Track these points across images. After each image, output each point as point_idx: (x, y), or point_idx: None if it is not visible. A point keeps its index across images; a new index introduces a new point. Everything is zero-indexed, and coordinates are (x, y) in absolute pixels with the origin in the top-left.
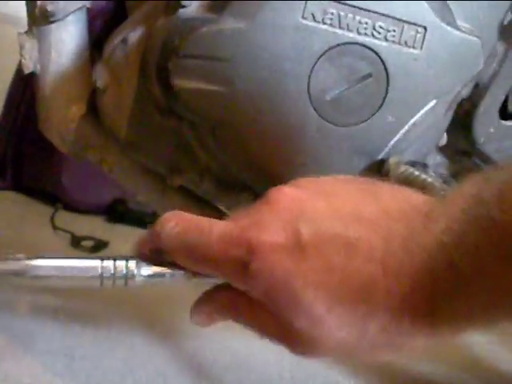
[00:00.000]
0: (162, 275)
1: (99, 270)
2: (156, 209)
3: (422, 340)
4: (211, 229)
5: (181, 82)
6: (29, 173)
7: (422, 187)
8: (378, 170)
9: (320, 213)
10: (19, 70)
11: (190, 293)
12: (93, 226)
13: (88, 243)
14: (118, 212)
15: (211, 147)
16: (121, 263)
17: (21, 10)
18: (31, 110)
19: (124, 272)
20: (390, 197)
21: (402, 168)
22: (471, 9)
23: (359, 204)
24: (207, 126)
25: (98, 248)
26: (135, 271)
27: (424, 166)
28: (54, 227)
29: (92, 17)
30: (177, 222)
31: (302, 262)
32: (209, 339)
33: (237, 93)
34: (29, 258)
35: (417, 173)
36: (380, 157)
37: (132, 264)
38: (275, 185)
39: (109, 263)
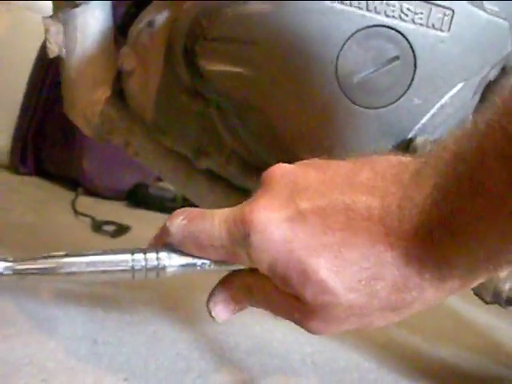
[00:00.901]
0: (192, 265)
1: (130, 263)
2: (182, 192)
3: (433, 294)
4: (214, 215)
5: (208, 65)
6: (50, 158)
7: None
8: (405, 148)
9: (313, 181)
10: (40, 57)
11: (211, 278)
12: (114, 211)
13: (109, 228)
14: (138, 197)
15: (237, 130)
16: (151, 255)
17: None
18: (52, 96)
19: (155, 264)
20: (383, 161)
21: (430, 146)
22: None
23: (352, 171)
24: (233, 109)
25: (119, 232)
26: (166, 262)
27: None
28: (76, 212)
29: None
30: (184, 216)
31: (301, 230)
32: (231, 324)
33: (264, 75)
34: (62, 256)
35: None
36: (407, 138)
37: (162, 255)
38: None
39: (139, 256)
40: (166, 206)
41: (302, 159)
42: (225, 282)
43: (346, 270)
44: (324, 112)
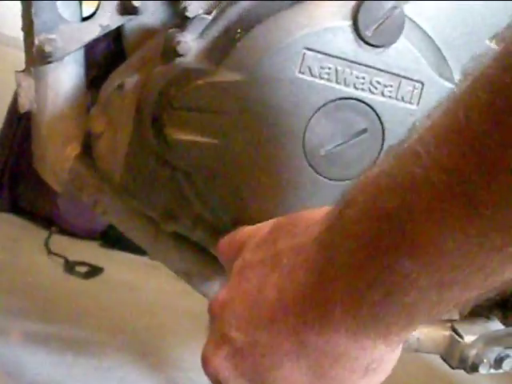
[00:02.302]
0: None
1: None
2: (149, 252)
3: (385, 351)
4: None
5: (175, 133)
6: (25, 196)
7: None
8: None
9: (240, 313)
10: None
11: (183, 323)
12: (87, 251)
13: (82, 268)
14: (112, 237)
15: (205, 196)
16: None
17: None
18: (29, 134)
19: None
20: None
21: None
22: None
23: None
24: (201, 177)
25: (92, 273)
26: None
27: None
28: (49, 251)
29: (90, 56)
30: None
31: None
32: (200, 372)
33: (232, 146)
34: None
35: None
36: None
37: None
38: None
39: None
40: (139, 247)
41: None
42: None
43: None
44: (290, 183)
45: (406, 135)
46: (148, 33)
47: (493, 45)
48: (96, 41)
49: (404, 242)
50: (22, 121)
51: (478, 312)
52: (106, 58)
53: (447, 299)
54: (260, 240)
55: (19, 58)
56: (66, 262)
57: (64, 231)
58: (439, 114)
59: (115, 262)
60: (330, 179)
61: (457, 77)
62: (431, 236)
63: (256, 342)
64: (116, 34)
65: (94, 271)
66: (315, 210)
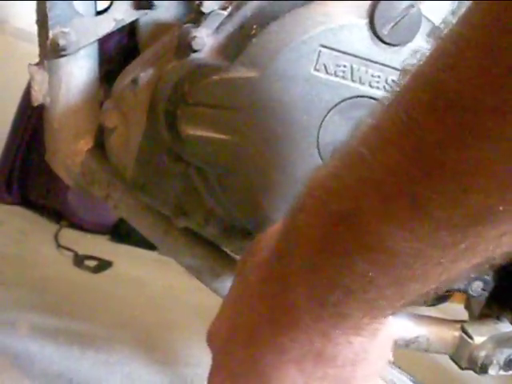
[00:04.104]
0: None
1: None
2: (159, 248)
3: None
4: None
5: (189, 129)
6: (36, 189)
7: None
8: None
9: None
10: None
11: (192, 319)
12: (97, 245)
13: (91, 262)
14: (122, 232)
15: (217, 193)
16: None
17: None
18: (40, 126)
19: None
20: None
21: None
22: None
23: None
24: (214, 173)
25: (100, 268)
26: None
27: None
28: (58, 245)
29: (104, 50)
30: None
31: None
32: (207, 368)
33: (245, 142)
34: None
35: None
36: None
37: None
38: None
39: None
40: (149, 242)
41: None
42: None
43: None
44: (303, 181)
45: (350, 135)
46: (162, 28)
47: None
48: (110, 35)
49: (357, 244)
50: (33, 114)
51: (488, 313)
52: (119, 52)
53: (408, 293)
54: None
55: (31, 51)
56: (75, 255)
57: (74, 225)
58: (382, 113)
59: (124, 257)
60: None
61: None
62: (382, 237)
63: (243, 359)
64: (130, 29)
65: (103, 265)
66: (277, 224)
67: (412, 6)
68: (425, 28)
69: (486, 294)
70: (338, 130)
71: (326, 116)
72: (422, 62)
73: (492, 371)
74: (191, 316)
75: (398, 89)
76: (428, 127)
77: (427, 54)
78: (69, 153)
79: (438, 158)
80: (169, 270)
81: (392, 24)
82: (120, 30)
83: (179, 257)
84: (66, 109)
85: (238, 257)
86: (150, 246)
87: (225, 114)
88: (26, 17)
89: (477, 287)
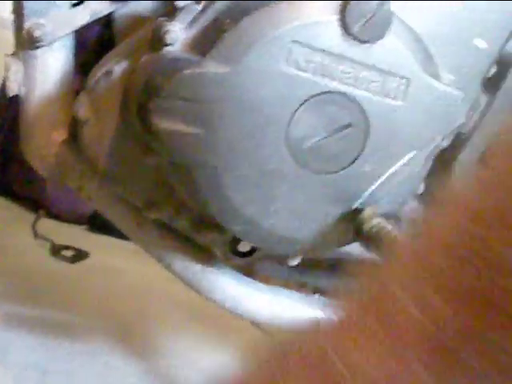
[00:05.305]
0: None
1: None
2: (132, 239)
3: None
4: None
5: (160, 122)
6: (15, 178)
7: (392, 242)
8: (352, 219)
9: None
10: None
11: (169, 310)
12: (74, 235)
13: (68, 252)
14: (100, 222)
15: (188, 186)
16: None
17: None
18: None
19: None
20: None
21: (375, 221)
22: (456, 61)
23: None
24: (185, 166)
25: (78, 258)
26: None
27: (397, 220)
28: (35, 234)
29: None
30: None
31: None
32: (183, 359)
33: (216, 136)
34: None
35: (388, 228)
36: (356, 205)
37: None
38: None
39: None
40: None
41: (248, 219)
42: None
43: None
44: (274, 175)
45: None
46: (138, 20)
47: (480, 44)
48: (88, 26)
49: None
50: (12, 103)
51: None
52: (96, 43)
53: None
54: None
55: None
56: (53, 245)
57: (52, 215)
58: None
59: (102, 247)
60: (314, 172)
61: (443, 73)
62: None
63: None
64: (107, 20)
65: (80, 255)
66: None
67: (383, 3)
68: (396, 25)
69: None
70: (308, 125)
71: (296, 111)
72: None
73: None
74: (169, 307)
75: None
76: None
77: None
78: (43, 143)
79: None
80: (147, 260)
81: (363, 21)
82: (97, 22)
83: (151, 248)
84: (40, 100)
85: (209, 249)
86: (126, 236)
87: (196, 107)
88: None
89: None
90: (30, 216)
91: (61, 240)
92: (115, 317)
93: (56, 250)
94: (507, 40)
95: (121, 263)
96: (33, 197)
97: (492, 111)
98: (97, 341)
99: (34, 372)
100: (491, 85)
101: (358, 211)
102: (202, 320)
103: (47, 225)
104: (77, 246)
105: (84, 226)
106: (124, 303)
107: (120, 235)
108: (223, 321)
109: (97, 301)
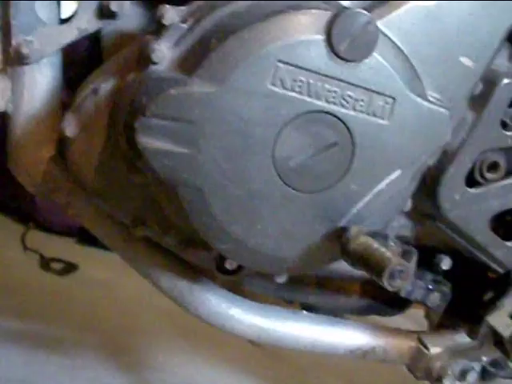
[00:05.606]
0: None
1: None
2: (120, 256)
3: None
4: None
5: (145, 141)
6: (4, 191)
7: (380, 261)
8: (338, 237)
9: None
10: None
11: (157, 322)
12: (64, 247)
13: (57, 265)
14: (89, 234)
15: (175, 204)
16: None
17: None
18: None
19: None
20: None
21: (362, 239)
22: (442, 79)
23: None
24: (171, 185)
25: (67, 271)
26: None
27: (384, 237)
28: (25, 247)
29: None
30: None
31: None
32: (173, 373)
33: (202, 156)
34: None
35: (375, 245)
36: (342, 224)
37: None
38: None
39: None
40: None
41: (235, 238)
42: None
43: None
44: (260, 194)
45: None
46: (125, 38)
47: (466, 62)
48: (76, 42)
49: None
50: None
51: (445, 324)
52: (84, 58)
53: None
54: None
55: None
56: (42, 258)
57: (41, 227)
58: None
59: (91, 259)
60: (300, 191)
61: (429, 92)
62: None
63: None
64: (95, 37)
65: (70, 268)
66: None
67: (369, 22)
68: (382, 44)
69: (444, 305)
70: (294, 144)
71: (282, 130)
72: None
73: (447, 382)
74: (157, 320)
75: None
76: None
77: None
78: (31, 160)
79: None
80: (135, 273)
81: (349, 40)
82: (85, 38)
83: (138, 265)
84: (28, 116)
85: (196, 266)
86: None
87: (181, 127)
88: None
89: (434, 298)
90: (20, 228)
91: (50, 252)
92: (104, 330)
93: (45, 263)
94: (492, 58)
95: (110, 276)
96: (22, 209)
97: (479, 128)
98: (86, 355)
99: None
100: (477, 102)
101: (344, 229)
102: (192, 334)
103: (37, 237)
104: (66, 258)
105: (74, 238)
106: (113, 316)
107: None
108: (214, 335)
109: (86, 314)
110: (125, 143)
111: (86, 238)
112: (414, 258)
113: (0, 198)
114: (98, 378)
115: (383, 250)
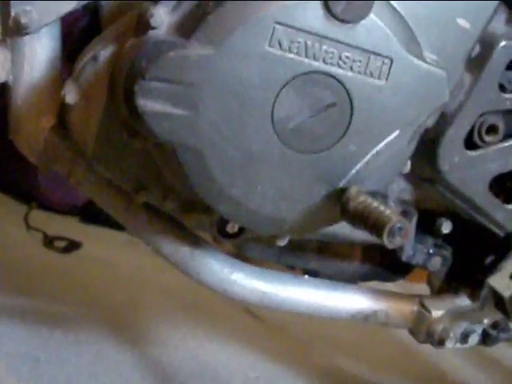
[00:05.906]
0: None
1: None
2: (121, 223)
3: None
4: None
5: (145, 104)
6: (5, 171)
7: (380, 218)
8: (338, 198)
9: None
10: None
11: (160, 299)
12: (67, 226)
13: (61, 243)
14: (92, 213)
15: (175, 168)
16: None
17: None
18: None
19: None
20: None
21: (362, 198)
22: (439, 40)
23: None
24: (171, 148)
25: (70, 249)
26: None
27: (384, 197)
28: (28, 226)
29: (67, 29)
30: None
31: None
32: (175, 347)
33: (201, 117)
34: None
35: (375, 204)
36: (341, 185)
37: None
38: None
39: None
40: (118, 223)
41: (235, 200)
42: None
43: None
44: (259, 156)
45: None
46: (124, 6)
47: (463, 24)
48: (76, 17)
49: None
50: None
51: (446, 288)
52: (83, 31)
53: None
54: None
55: None
56: (45, 236)
57: (44, 206)
58: None
59: (94, 238)
60: (298, 152)
61: (426, 53)
62: None
63: None
64: (94, 9)
65: (73, 246)
66: None
67: None
68: (378, 5)
69: (445, 269)
70: (292, 106)
71: (280, 91)
72: None
73: (449, 344)
74: (159, 296)
75: None
76: None
77: None
78: (32, 130)
79: None
80: (138, 251)
81: (345, 1)
82: (85, 10)
83: (140, 232)
84: (28, 87)
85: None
86: (120, 227)
87: (180, 89)
88: None
89: (436, 263)
90: (23, 208)
91: (53, 231)
92: (107, 307)
93: (48, 241)
94: (490, 20)
95: (113, 253)
96: (25, 188)
97: (476, 90)
98: (89, 330)
99: (26, 361)
100: (475, 65)
101: (343, 190)
102: (194, 309)
103: (39, 216)
104: (69, 236)
105: (77, 217)
106: (116, 293)
107: (112, 226)
108: (215, 309)
109: (89, 291)
110: (125, 108)
111: (88, 216)
112: (414, 219)
113: (3, 178)
114: (102, 353)
115: (383, 208)
